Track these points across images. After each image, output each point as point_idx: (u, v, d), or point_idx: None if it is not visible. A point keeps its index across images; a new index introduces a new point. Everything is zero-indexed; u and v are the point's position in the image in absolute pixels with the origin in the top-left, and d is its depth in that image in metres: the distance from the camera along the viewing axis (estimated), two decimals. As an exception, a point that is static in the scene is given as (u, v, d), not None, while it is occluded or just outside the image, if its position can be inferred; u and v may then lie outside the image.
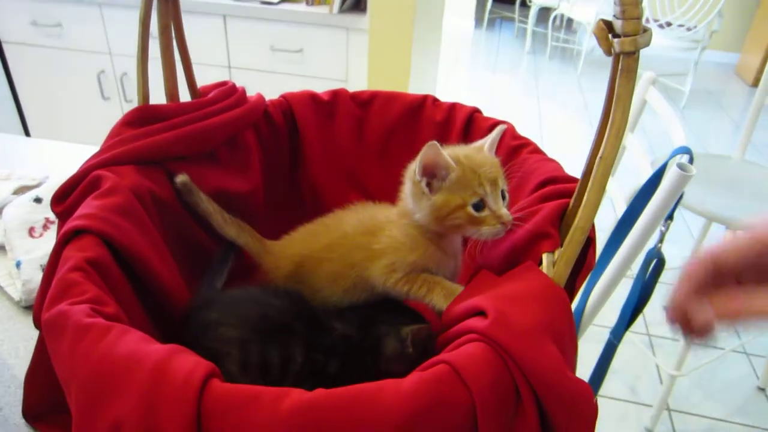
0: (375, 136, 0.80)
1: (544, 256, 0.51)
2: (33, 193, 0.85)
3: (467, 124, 0.76)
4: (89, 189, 0.56)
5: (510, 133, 0.72)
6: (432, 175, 0.56)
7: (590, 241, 0.52)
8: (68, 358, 0.41)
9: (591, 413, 0.43)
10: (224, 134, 0.67)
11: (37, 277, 0.75)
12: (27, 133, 2.32)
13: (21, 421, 0.62)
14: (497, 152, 0.71)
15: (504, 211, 0.55)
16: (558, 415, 0.41)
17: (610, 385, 1.74)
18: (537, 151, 0.68)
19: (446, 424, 0.38)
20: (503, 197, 0.57)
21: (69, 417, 0.57)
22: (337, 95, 0.80)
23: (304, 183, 0.79)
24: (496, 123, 0.74)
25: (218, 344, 0.52)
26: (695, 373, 1.77)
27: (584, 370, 1.12)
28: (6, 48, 2.15)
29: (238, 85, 0.73)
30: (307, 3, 1.89)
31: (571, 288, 0.53)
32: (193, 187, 0.63)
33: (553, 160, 0.65)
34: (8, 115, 2.26)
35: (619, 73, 0.45)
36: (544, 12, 4.52)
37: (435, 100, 0.80)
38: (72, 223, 0.51)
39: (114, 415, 0.38)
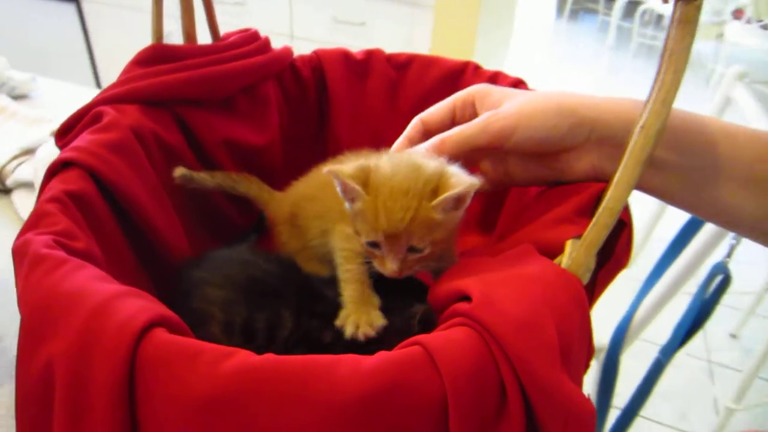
0: (409, 100, 0.74)
1: (568, 244, 0.44)
2: (65, 135, 0.85)
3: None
4: (89, 125, 0.54)
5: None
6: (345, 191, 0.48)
7: (622, 227, 0.45)
8: (21, 286, 0.39)
9: (590, 429, 0.36)
10: (240, 82, 0.63)
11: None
12: (99, 87, 2.40)
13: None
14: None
15: (392, 266, 0.47)
16: (550, 424, 0.35)
17: (659, 409, 1.62)
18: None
19: (407, 414, 0.33)
20: (414, 250, 0.47)
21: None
22: (371, 55, 0.75)
23: (330, 142, 0.75)
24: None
25: (203, 304, 0.48)
26: (758, 409, 1.61)
27: (628, 385, 1.03)
28: (84, 5, 2.23)
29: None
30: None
31: (592, 284, 0.46)
32: (193, 175, 0.60)
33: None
34: (83, 70, 2.35)
35: (675, 23, 0.37)
36: (632, 6, 4.26)
37: (477, 67, 0.73)
38: (61, 155, 0.49)
39: (48, 354, 0.34)
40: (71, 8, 2.21)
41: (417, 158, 0.48)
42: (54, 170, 0.49)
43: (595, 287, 0.47)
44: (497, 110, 0.48)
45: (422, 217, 0.45)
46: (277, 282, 0.51)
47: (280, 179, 0.68)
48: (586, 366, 0.43)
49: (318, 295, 0.52)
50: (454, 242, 0.53)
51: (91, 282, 0.37)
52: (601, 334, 1.11)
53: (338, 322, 0.48)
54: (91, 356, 0.33)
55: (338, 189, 0.48)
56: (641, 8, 4.19)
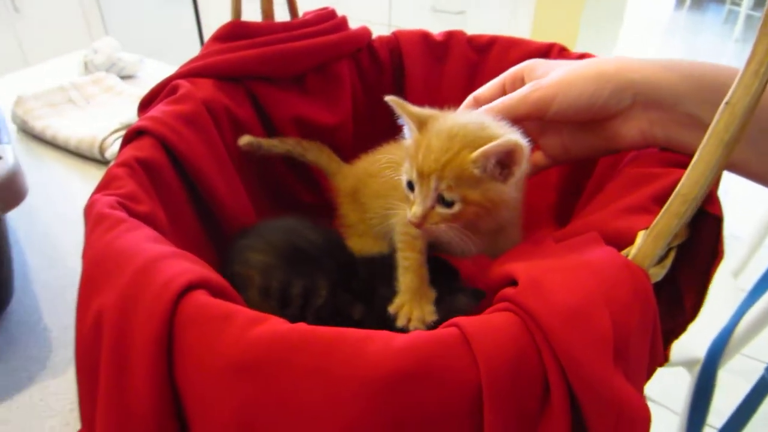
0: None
1: (639, 236, 0.40)
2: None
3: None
4: (165, 97, 0.56)
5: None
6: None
7: (704, 218, 0.40)
8: (85, 242, 0.41)
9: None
10: (313, 60, 0.63)
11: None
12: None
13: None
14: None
15: (416, 209, 0.44)
16: (599, 426, 0.32)
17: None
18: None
19: (437, 397, 0.31)
20: (444, 202, 0.44)
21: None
22: (452, 36, 0.73)
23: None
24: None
25: (243, 269, 0.49)
26: None
27: (727, 404, 0.94)
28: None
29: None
30: (474, -38, 1.80)
31: (675, 286, 0.41)
32: (260, 142, 0.61)
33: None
34: (193, 47, 2.49)
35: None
36: (765, -5, 3.86)
37: (563, 49, 0.68)
38: (135, 124, 0.51)
39: (98, 305, 0.36)
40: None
41: (485, 117, 0.47)
42: (129, 138, 0.51)
43: (681, 290, 0.43)
44: (538, 81, 0.47)
45: (458, 164, 0.43)
46: (318, 253, 0.51)
47: (349, 159, 0.68)
48: (651, 370, 0.38)
49: (355, 272, 0.52)
50: (517, 224, 0.50)
51: (142, 242, 0.38)
52: (698, 345, 1.02)
53: (392, 309, 0.47)
54: (134, 312, 0.35)
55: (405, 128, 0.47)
56: (775, -3, 3.78)
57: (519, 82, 0.51)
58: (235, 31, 0.60)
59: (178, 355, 0.34)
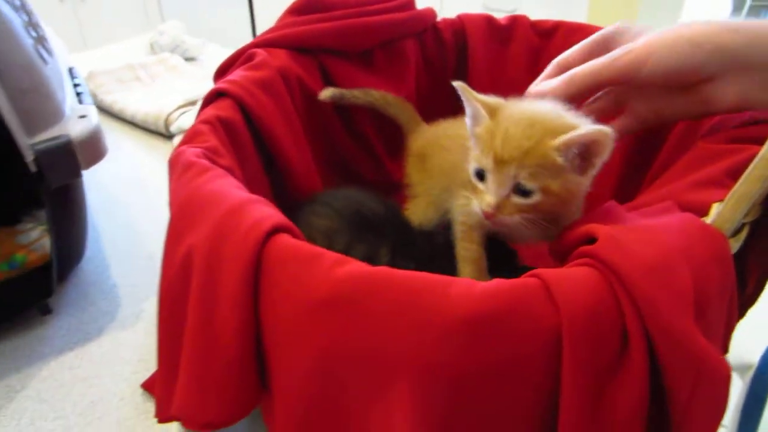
0: (551, 68, 0.72)
1: (714, 207, 0.40)
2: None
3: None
4: (244, 63, 0.58)
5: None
6: (474, 117, 0.46)
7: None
8: (173, 188, 0.43)
9: (723, 393, 0.33)
10: (380, 35, 0.65)
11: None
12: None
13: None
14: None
15: (490, 199, 0.43)
16: (677, 380, 0.32)
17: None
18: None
19: (518, 340, 0.31)
20: (521, 192, 0.43)
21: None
22: (516, 21, 0.73)
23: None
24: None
25: (307, 230, 0.50)
26: None
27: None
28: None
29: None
30: (528, -40, 1.80)
31: (743, 263, 0.41)
32: (342, 93, 0.62)
33: None
34: (245, 34, 2.56)
35: None
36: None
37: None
38: (216, 86, 0.54)
39: (189, 244, 0.38)
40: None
41: (557, 106, 0.46)
42: (209, 99, 0.53)
43: (745, 273, 0.42)
44: (629, 44, 0.46)
45: (540, 152, 0.41)
46: (379, 221, 0.52)
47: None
48: (726, 342, 0.38)
49: (414, 242, 0.53)
50: (577, 213, 0.50)
51: (229, 188, 0.40)
52: (751, 348, 0.99)
53: None
54: (224, 250, 0.36)
55: (467, 114, 0.47)
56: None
57: (605, 46, 0.50)
58: (309, 5, 0.62)
59: (265, 292, 0.35)
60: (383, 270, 0.34)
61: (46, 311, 0.63)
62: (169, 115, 0.92)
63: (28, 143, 0.54)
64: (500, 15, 1.92)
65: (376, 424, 0.34)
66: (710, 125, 0.53)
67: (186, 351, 0.38)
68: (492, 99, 0.47)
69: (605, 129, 0.40)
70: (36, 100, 0.56)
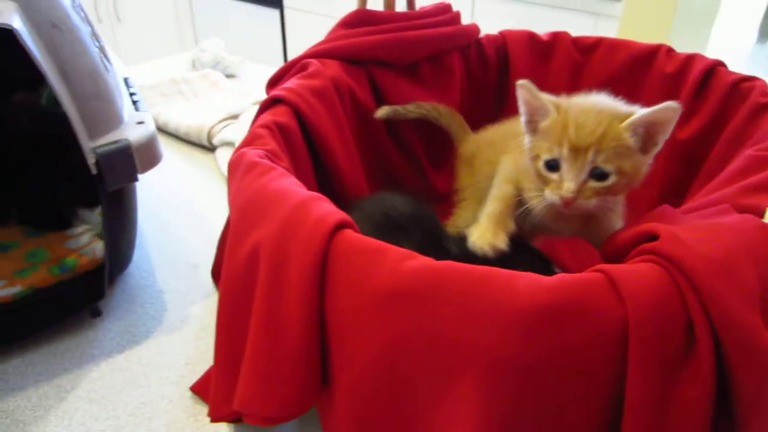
0: (591, 84, 0.72)
1: (768, 211, 0.40)
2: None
3: (704, 78, 0.65)
4: (298, 73, 0.60)
5: (761, 89, 0.59)
6: (533, 114, 0.49)
7: None
8: (236, 188, 0.44)
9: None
10: (428, 48, 0.66)
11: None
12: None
13: (206, 281, 0.70)
14: (737, 110, 0.60)
15: (569, 185, 0.44)
16: (744, 375, 0.32)
17: None
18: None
19: (585, 333, 0.32)
20: (597, 175, 0.45)
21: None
22: (557, 37, 0.75)
23: (504, 119, 0.76)
24: (741, 79, 0.61)
25: None
26: None
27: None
28: (287, 13, 2.50)
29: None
30: (557, -16, 1.82)
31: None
32: (396, 110, 0.64)
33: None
34: (277, 55, 2.63)
35: None
36: None
37: (670, 50, 0.69)
38: (273, 93, 0.56)
39: (255, 238, 0.39)
40: (275, 13, 2.50)
41: (607, 97, 0.48)
42: (266, 105, 0.55)
43: None
44: None
45: (613, 135, 0.44)
46: (405, 221, 0.53)
47: (451, 147, 0.70)
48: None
49: (440, 242, 0.54)
50: (617, 210, 0.50)
51: (293, 186, 0.42)
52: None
53: (468, 231, 0.49)
54: (291, 244, 0.37)
55: (522, 112, 0.49)
56: None
57: None
58: (360, 18, 0.64)
59: (331, 286, 0.36)
60: (449, 264, 0.35)
61: (97, 314, 0.64)
62: (211, 128, 0.95)
63: (91, 146, 0.56)
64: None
65: (440, 418, 0.35)
66: (758, 134, 0.53)
67: (250, 345, 0.39)
68: (551, 96, 0.49)
69: (673, 103, 0.43)
70: (99, 105, 0.58)
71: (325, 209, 0.39)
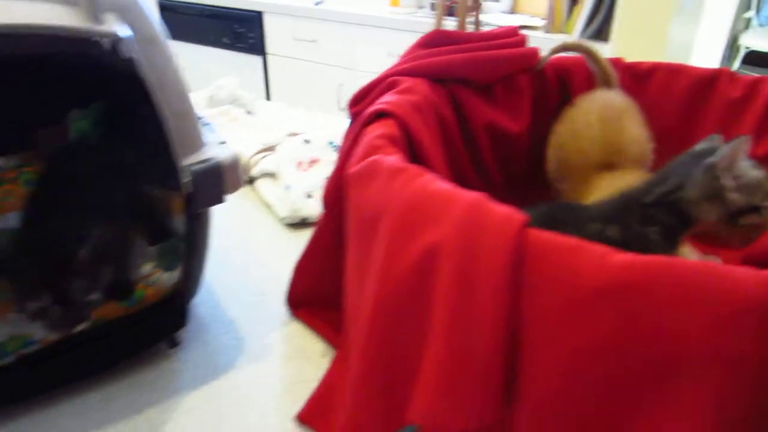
0: (649, 113, 0.74)
1: None
2: (303, 136, 0.94)
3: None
4: (386, 90, 0.59)
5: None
6: None
7: None
8: (380, 195, 0.42)
9: None
10: (503, 68, 0.67)
11: (302, 201, 0.81)
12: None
13: (277, 309, 0.66)
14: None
15: None
16: None
17: None
18: None
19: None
20: None
21: (328, 308, 0.59)
22: (615, 64, 0.76)
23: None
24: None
25: None
26: None
27: None
28: (269, 59, 2.51)
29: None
30: (546, 30, 1.90)
31: None
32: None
33: None
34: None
35: None
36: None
37: (732, 74, 0.71)
38: (375, 107, 0.54)
39: (429, 240, 0.37)
40: (259, 60, 2.51)
41: None
42: (368, 120, 0.54)
43: None
44: None
45: None
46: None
47: (523, 165, 0.70)
48: None
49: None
50: None
51: (454, 188, 0.40)
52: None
53: None
54: (479, 243, 0.35)
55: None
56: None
57: None
58: (438, 38, 0.64)
59: (528, 285, 0.34)
60: (660, 259, 0.33)
61: (174, 344, 0.59)
62: (249, 159, 0.92)
63: (183, 164, 0.53)
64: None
65: (653, 422, 0.33)
66: None
67: (432, 351, 0.36)
68: None
69: None
70: (186, 124, 0.55)
71: (505, 208, 0.37)
